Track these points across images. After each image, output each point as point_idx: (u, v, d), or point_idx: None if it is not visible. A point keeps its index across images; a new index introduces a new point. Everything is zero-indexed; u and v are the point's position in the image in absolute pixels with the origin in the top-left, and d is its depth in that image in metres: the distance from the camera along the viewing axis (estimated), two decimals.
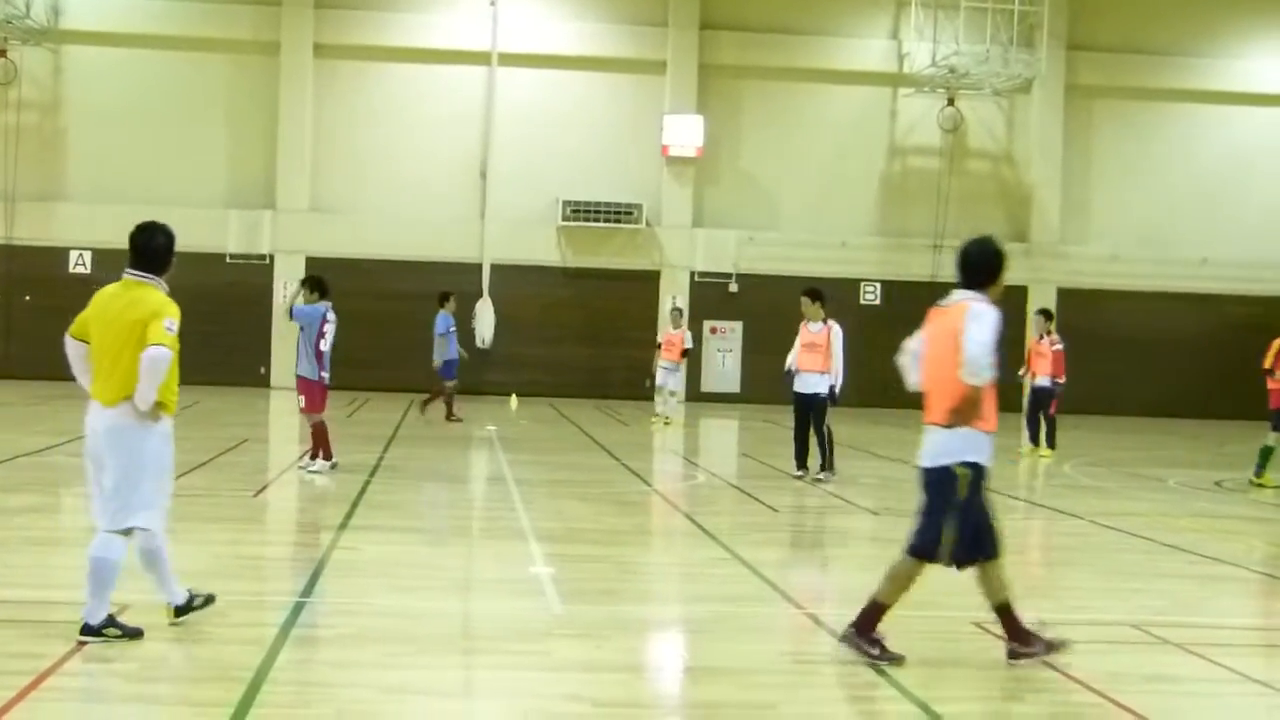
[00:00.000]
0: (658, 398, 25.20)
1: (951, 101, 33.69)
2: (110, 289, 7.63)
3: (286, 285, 31.96)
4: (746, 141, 33.42)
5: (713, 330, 33.22)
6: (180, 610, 7.68)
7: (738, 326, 33.13)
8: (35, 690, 6.33)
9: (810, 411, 16.42)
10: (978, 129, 34.09)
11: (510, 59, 32.13)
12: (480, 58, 32.09)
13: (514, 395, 28.89)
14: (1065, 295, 32.58)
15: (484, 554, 11.08)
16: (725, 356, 33.24)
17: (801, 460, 16.67)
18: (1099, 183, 34.34)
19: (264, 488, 14.61)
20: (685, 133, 32.35)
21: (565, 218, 31.97)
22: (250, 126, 32.10)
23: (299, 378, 15.64)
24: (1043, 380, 21.07)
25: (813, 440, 16.51)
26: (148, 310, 7.38)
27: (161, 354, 7.22)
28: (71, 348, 7.57)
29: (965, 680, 7.32)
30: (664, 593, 10.00)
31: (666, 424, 24.54)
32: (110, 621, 7.32)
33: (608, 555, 11.21)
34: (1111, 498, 16.45)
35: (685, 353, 25.07)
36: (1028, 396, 21.82)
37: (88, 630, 7.22)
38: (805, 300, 16.51)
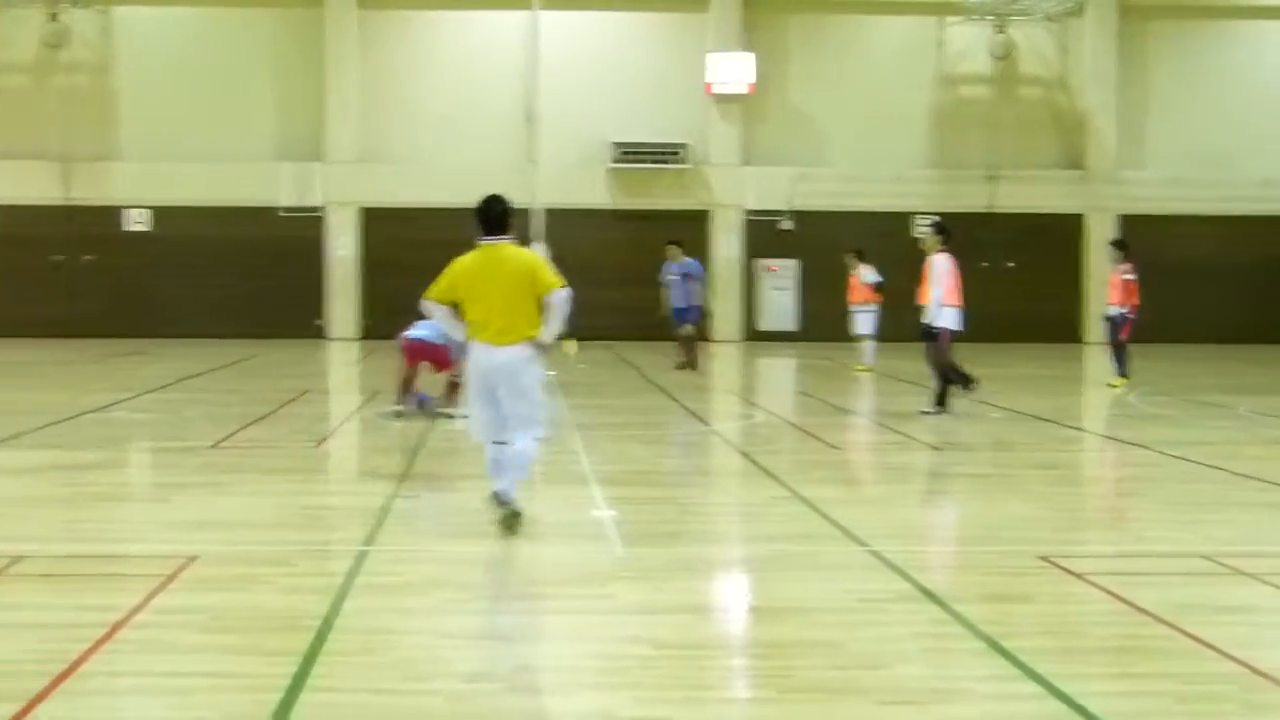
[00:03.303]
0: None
1: (1002, 28, 33.17)
2: (472, 256, 9.13)
3: (339, 237, 32.12)
4: (794, 77, 33.08)
5: (767, 268, 33.07)
6: (498, 499, 9.10)
7: (792, 264, 32.95)
8: (109, 642, 6.40)
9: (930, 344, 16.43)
10: (1029, 55, 33.56)
11: (554, 1, 31.91)
12: (523, 1, 31.88)
13: (572, 340, 28.85)
14: (1124, 221, 32.07)
15: (546, 498, 11.09)
16: (781, 294, 33.08)
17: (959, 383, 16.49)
18: (1156, 105, 33.74)
19: (325, 438, 14.70)
20: (732, 70, 32.07)
21: (614, 159, 31.84)
22: (298, 79, 32.13)
23: (425, 342, 15.02)
24: (1111, 309, 20.96)
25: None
26: (524, 263, 9.05)
27: (567, 294, 8.98)
28: (438, 310, 9.26)
29: (1033, 615, 7.25)
30: (726, 533, 9.98)
31: (864, 371, 23.03)
32: (511, 501, 9.09)
33: (669, 497, 11.20)
34: (1179, 427, 16.25)
35: (878, 287, 23.14)
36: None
37: (499, 499, 9.08)
38: (927, 233, 16.81)
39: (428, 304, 9.30)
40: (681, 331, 23.43)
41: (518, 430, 9.10)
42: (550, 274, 9.01)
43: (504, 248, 9.09)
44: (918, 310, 16.54)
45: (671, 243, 23.80)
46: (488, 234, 9.13)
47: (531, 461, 9.31)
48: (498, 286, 8.95)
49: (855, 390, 20.85)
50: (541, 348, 9.06)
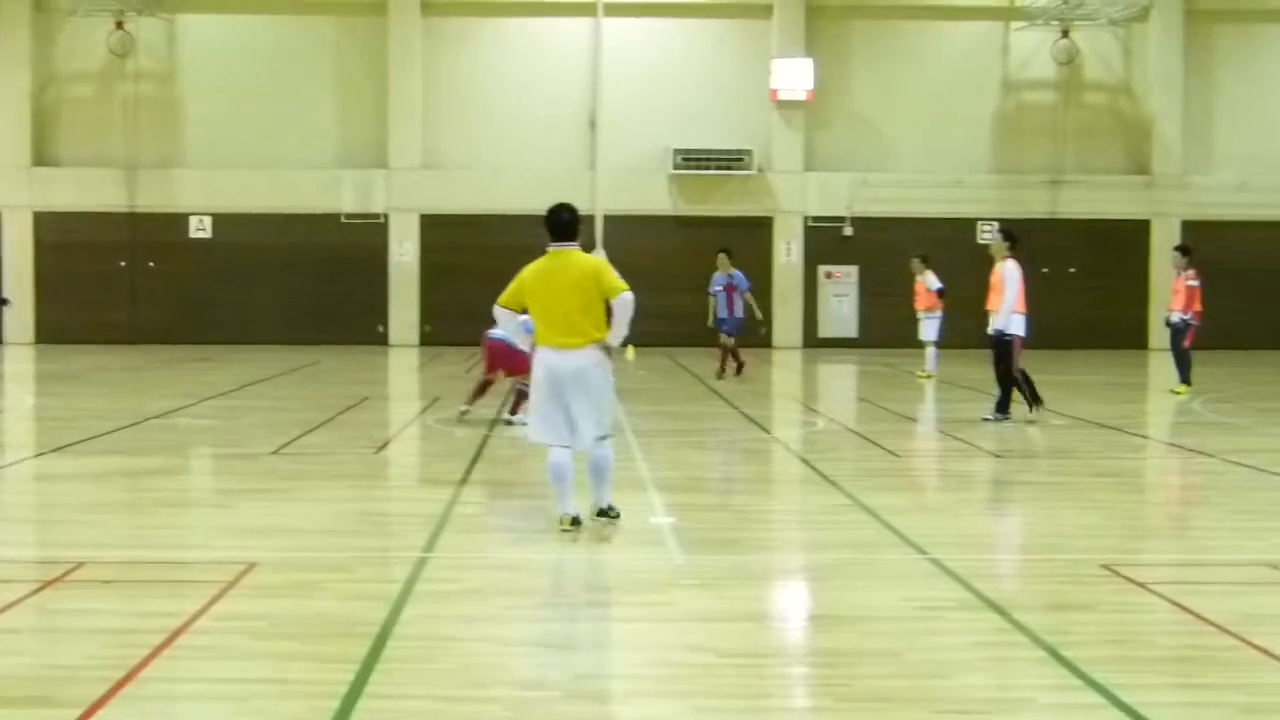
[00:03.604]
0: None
1: (1066, 33, 32.88)
2: (540, 263, 9.35)
3: (402, 243, 32.32)
4: (856, 83, 32.94)
5: (828, 275, 32.93)
6: (602, 512, 9.51)
7: (853, 270, 32.80)
8: (168, 648, 6.46)
9: (994, 351, 16.36)
10: (1094, 60, 33.23)
11: (616, 8, 31.93)
12: (586, 8, 31.93)
13: (630, 346, 28.88)
14: (1190, 228, 31.66)
15: None
16: (842, 301, 32.94)
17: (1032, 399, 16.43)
18: (1223, 110, 33.29)
19: (385, 444, 14.78)
20: (794, 76, 31.97)
21: (676, 166, 31.83)
22: (360, 86, 32.36)
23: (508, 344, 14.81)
24: (1173, 315, 20.69)
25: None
26: (589, 268, 9.25)
27: (631, 297, 9.14)
28: (504, 315, 9.54)
29: (1095, 624, 7.16)
30: (785, 540, 9.94)
31: (926, 378, 22.91)
32: (611, 506, 9.53)
33: (728, 504, 11.17)
34: (1243, 434, 16.02)
35: (939, 294, 22.96)
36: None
37: (603, 513, 9.51)
38: (994, 239, 16.82)
39: (498, 310, 9.55)
40: (725, 339, 23.37)
41: (586, 432, 9.24)
42: (615, 278, 9.23)
43: (571, 253, 9.30)
44: (982, 317, 16.42)
45: (722, 251, 23.70)
46: (555, 240, 9.36)
47: (611, 464, 9.53)
48: (563, 291, 9.19)
49: (916, 397, 20.73)
50: (608, 350, 9.28)
